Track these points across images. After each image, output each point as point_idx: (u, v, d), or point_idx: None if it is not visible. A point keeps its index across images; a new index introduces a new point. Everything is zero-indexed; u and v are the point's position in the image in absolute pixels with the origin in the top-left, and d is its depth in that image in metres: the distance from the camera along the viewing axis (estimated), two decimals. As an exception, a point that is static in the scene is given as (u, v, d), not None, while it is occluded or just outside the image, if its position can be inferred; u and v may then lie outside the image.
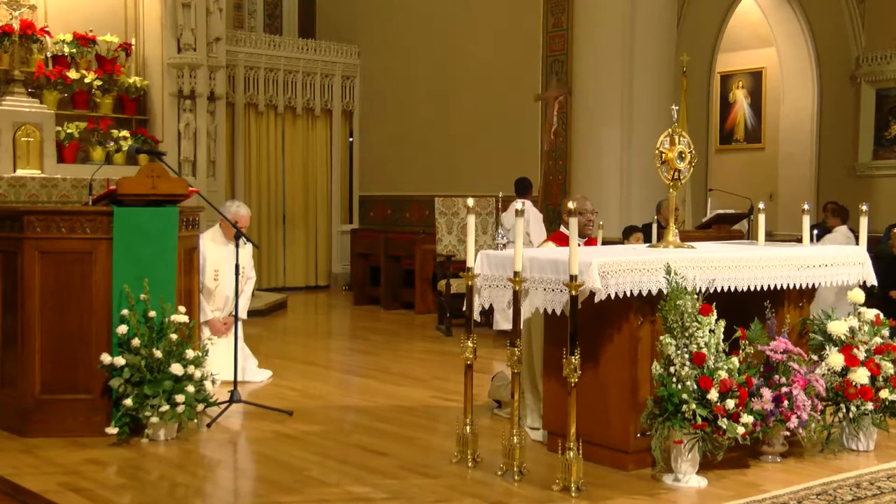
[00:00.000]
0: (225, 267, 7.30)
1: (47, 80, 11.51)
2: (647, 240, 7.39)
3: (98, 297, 5.62)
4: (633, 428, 4.97)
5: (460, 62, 13.50)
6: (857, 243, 6.26)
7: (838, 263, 5.84)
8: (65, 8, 11.99)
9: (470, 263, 5.09)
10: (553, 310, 4.85)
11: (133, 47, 12.35)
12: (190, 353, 5.64)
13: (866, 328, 5.63)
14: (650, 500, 4.59)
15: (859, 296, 5.79)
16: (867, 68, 14.32)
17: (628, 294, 4.85)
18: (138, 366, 5.46)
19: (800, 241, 6.44)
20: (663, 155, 5.58)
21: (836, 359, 5.43)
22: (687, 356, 4.71)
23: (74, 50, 11.83)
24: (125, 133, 11.89)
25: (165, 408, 5.43)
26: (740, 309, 5.26)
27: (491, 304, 5.23)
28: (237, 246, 6.46)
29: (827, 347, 5.55)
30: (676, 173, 5.58)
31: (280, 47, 14.51)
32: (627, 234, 9.13)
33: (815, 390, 5.14)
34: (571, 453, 4.59)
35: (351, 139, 15.41)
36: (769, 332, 5.24)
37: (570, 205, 4.79)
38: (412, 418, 6.29)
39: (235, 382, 6.35)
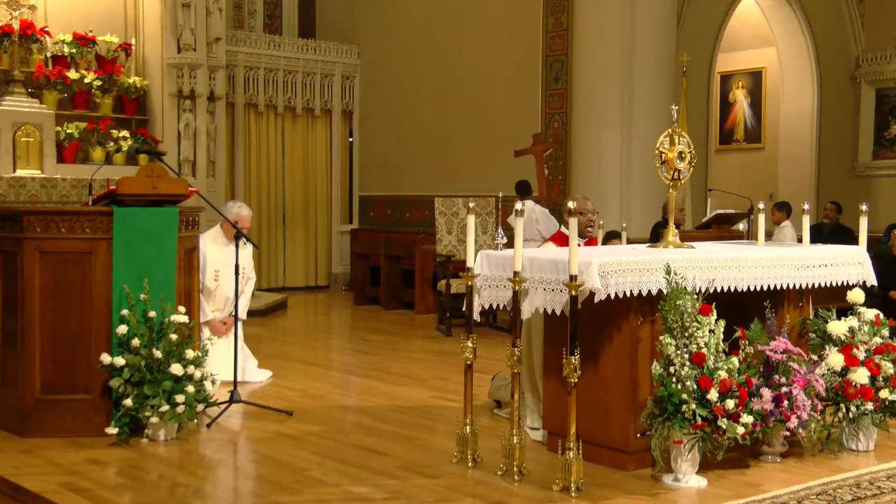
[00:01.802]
0: (225, 267, 7.30)
1: (47, 80, 11.52)
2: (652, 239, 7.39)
3: (98, 297, 5.62)
4: (633, 428, 4.97)
5: (460, 62, 13.50)
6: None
7: (838, 263, 5.84)
8: (65, 8, 11.99)
9: (470, 263, 5.09)
10: (553, 310, 4.85)
11: (133, 47, 12.35)
12: (190, 353, 5.64)
13: (866, 328, 5.63)
14: (650, 500, 4.59)
15: (859, 296, 5.79)
16: (867, 68, 14.32)
17: (628, 294, 4.85)
18: (138, 366, 5.46)
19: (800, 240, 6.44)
20: (663, 155, 5.58)
21: (835, 359, 5.43)
22: (687, 356, 4.71)
23: (74, 50, 11.83)
24: (125, 133, 11.89)
25: (165, 408, 5.43)
26: (740, 309, 5.26)
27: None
28: (237, 246, 6.46)
29: (827, 347, 5.55)
30: (676, 173, 5.58)
31: (280, 47, 14.51)
32: (606, 241, 9.06)
33: (814, 390, 5.14)
34: (571, 453, 4.59)
35: (351, 139, 15.41)
36: (769, 332, 5.24)
37: (571, 205, 4.78)
38: (412, 418, 6.29)
39: (235, 382, 6.35)
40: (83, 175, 10.70)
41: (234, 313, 6.89)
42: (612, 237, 8.97)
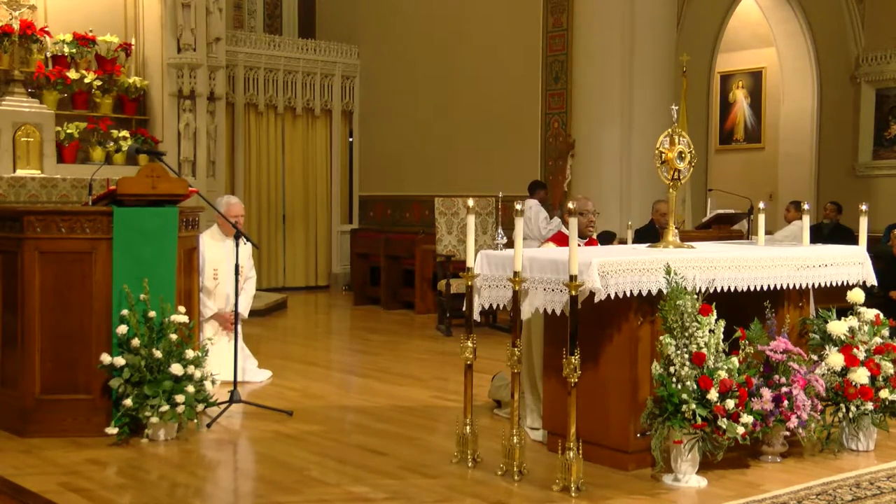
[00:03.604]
0: (224, 265, 7.31)
1: (47, 80, 11.51)
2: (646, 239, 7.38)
3: (98, 297, 5.62)
4: (633, 428, 4.97)
5: (460, 62, 13.50)
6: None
7: (838, 263, 5.85)
8: (65, 8, 11.99)
9: (470, 263, 5.09)
10: (553, 310, 4.85)
11: (133, 47, 12.35)
12: (190, 353, 5.64)
13: (866, 328, 5.63)
14: (650, 500, 4.59)
15: (859, 296, 5.79)
16: (867, 68, 14.32)
17: (628, 294, 4.85)
18: (138, 366, 5.45)
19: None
20: (663, 155, 5.58)
21: (836, 359, 5.43)
22: (687, 356, 4.71)
23: (74, 50, 11.83)
24: (125, 133, 11.89)
25: (165, 408, 5.43)
26: (740, 309, 5.26)
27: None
28: (237, 245, 6.46)
29: (827, 347, 5.55)
30: (676, 173, 5.58)
31: (280, 47, 14.51)
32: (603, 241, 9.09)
33: (814, 390, 5.14)
34: (571, 453, 4.59)
35: (351, 139, 15.41)
36: (769, 332, 5.24)
37: (571, 205, 4.78)
38: (412, 418, 6.29)
39: (235, 382, 6.35)
40: (83, 175, 10.70)
41: (234, 312, 6.88)
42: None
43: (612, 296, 4.79)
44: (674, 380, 4.69)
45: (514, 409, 4.90)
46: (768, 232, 7.22)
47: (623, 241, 8.87)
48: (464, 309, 5.16)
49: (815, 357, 5.51)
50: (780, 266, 5.52)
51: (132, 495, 4.66)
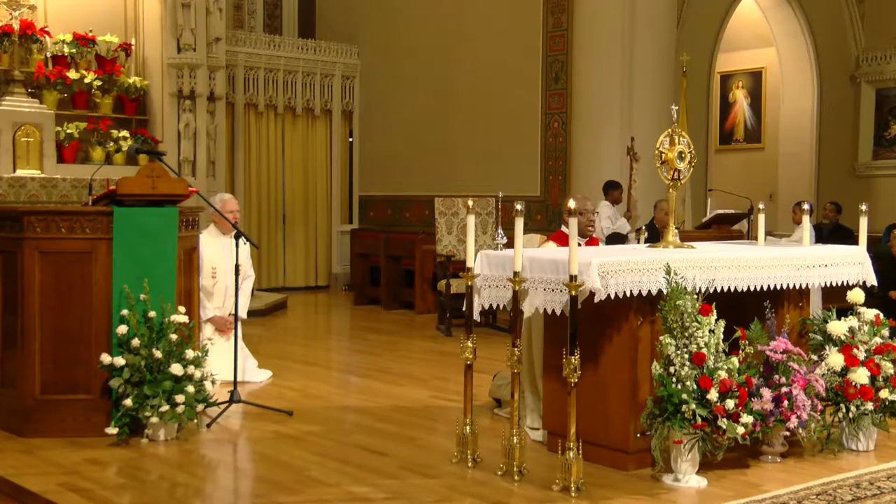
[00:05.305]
0: (221, 264, 7.31)
1: (47, 81, 11.51)
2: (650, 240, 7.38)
3: (98, 297, 5.62)
4: (633, 428, 4.97)
5: (460, 62, 13.50)
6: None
7: (838, 263, 5.85)
8: (65, 8, 11.99)
9: (470, 263, 5.09)
10: (553, 310, 4.85)
11: (133, 47, 12.35)
12: (190, 354, 5.64)
13: (866, 328, 5.64)
14: (650, 500, 4.59)
15: (859, 296, 5.79)
16: (867, 68, 14.32)
17: (628, 294, 4.85)
18: (138, 366, 5.46)
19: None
20: (663, 155, 5.58)
21: (835, 359, 5.43)
22: (687, 356, 4.71)
23: (74, 50, 11.83)
24: (125, 133, 11.88)
25: (165, 408, 5.43)
26: (740, 309, 5.26)
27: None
28: (237, 246, 6.46)
29: (827, 347, 5.55)
30: (676, 173, 5.59)
31: (280, 47, 14.51)
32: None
33: (814, 390, 5.14)
34: (571, 453, 4.59)
35: (351, 139, 15.41)
36: (769, 332, 5.25)
37: (570, 205, 4.78)
38: (412, 418, 6.29)
39: (235, 382, 6.35)
40: (83, 175, 10.69)
41: (233, 312, 6.88)
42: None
43: (612, 296, 4.79)
44: (674, 380, 4.69)
45: (514, 409, 4.90)
46: (769, 233, 7.23)
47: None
48: (464, 309, 5.16)
49: (815, 357, 5.51)
50: (780, 266, 5.52)
51: (132, 495, 4.66)
